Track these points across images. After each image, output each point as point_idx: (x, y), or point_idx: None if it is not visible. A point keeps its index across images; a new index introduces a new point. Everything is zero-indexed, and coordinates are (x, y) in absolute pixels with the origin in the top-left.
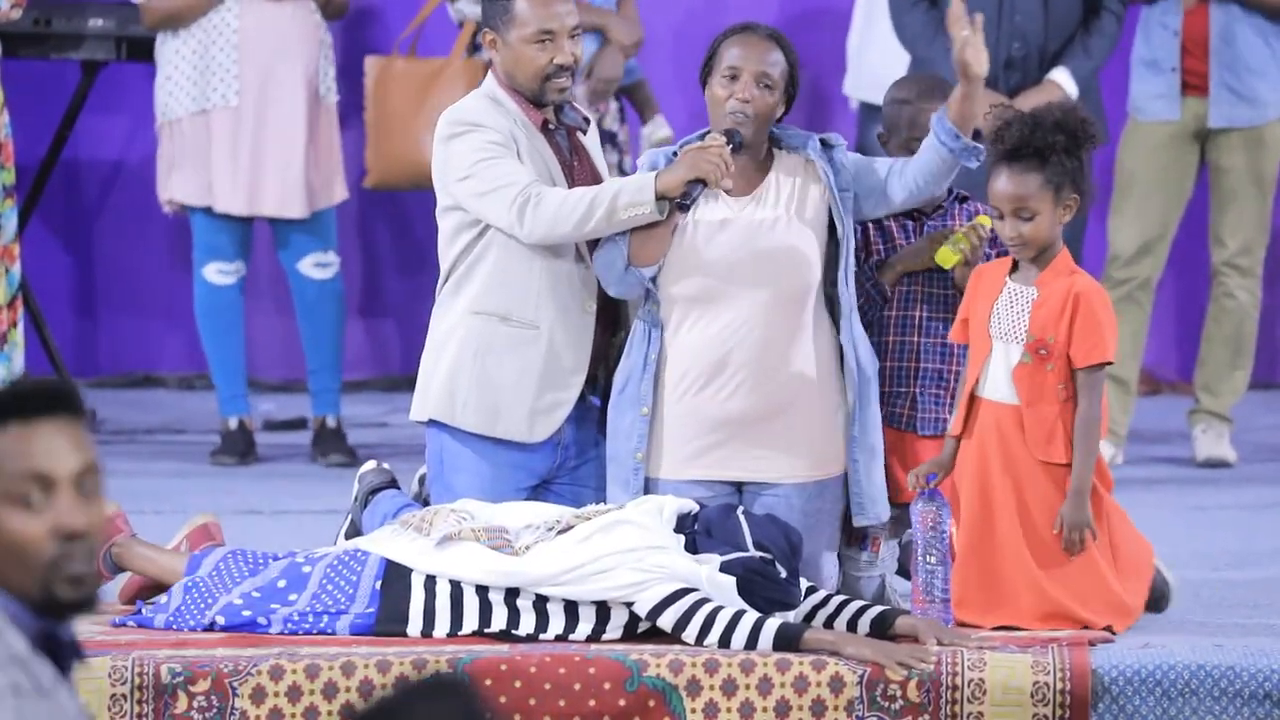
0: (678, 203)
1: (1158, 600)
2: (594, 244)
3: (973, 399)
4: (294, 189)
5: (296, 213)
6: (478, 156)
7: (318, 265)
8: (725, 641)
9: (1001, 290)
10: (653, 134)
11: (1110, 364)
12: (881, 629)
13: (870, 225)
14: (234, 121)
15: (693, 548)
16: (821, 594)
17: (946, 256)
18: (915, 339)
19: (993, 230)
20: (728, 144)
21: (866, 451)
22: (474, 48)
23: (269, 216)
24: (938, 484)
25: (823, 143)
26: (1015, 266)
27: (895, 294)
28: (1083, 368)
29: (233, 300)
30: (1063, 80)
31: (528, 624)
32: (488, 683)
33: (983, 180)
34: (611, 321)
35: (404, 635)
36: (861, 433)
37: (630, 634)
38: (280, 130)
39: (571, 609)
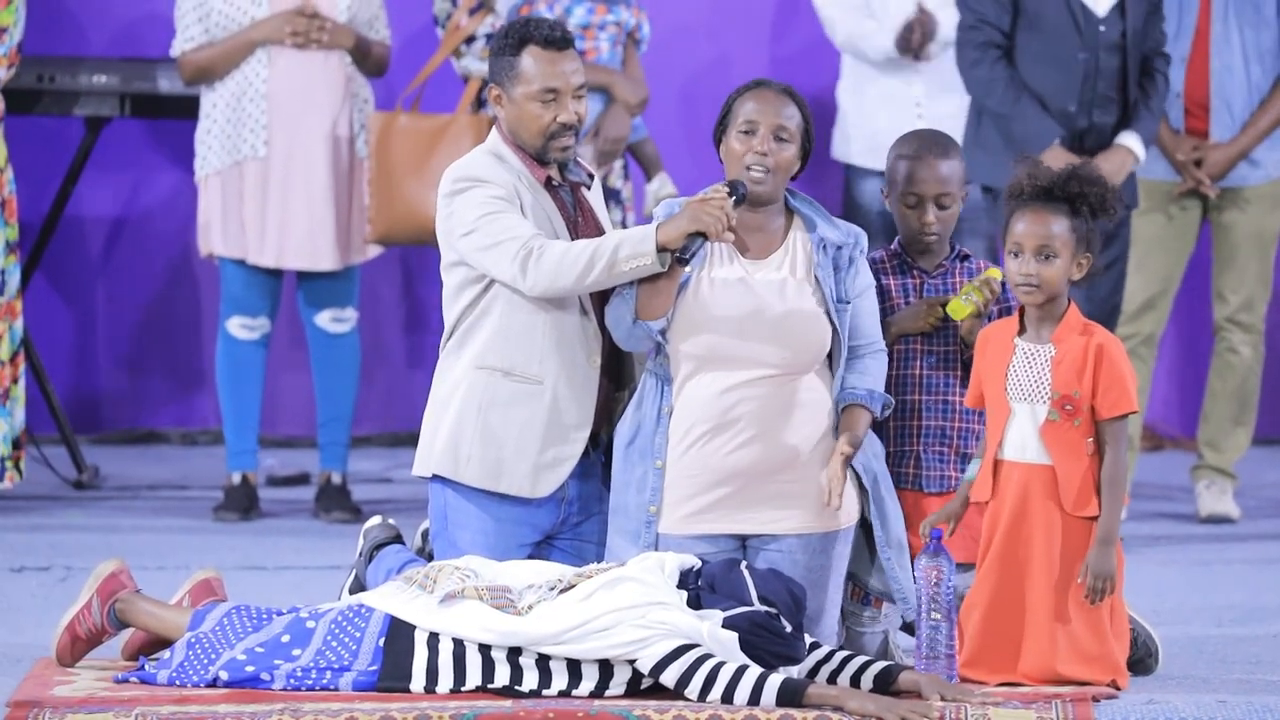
0: (677, 256)
1: (1145, 660)
2: (599, 298)
3: (996, 463)
4: (323, 241)
5: (326, 265)
6: (481, 211)
7: (335, 320)
8: (728, 697)
9: (1013, 353)
10: (658, 191)
11: (1134, 413)
12: (885, 685)
13: None
14: (263, 172)
15: (696, 603)
16: (825, 649)
17: (959, 308)
18: (916, 397)
19: (1001, 282)
20: (730, 196)
21: (896, 548)
22: (479, 103)
23: (299, 269)
24: (949, 535)
25: (827, 243)
26: (1023, 328)
27: (894, 353)
28: (1108, 419)
29: (253, 356)
30: (1133, 145)
31: (531, 680)
32: None
33: (978, 228)
34: (616, 376)
35: (407, 692)
36: (884, 529)
37: (633, 690)
38: (307, 181)
39: (574, 666)
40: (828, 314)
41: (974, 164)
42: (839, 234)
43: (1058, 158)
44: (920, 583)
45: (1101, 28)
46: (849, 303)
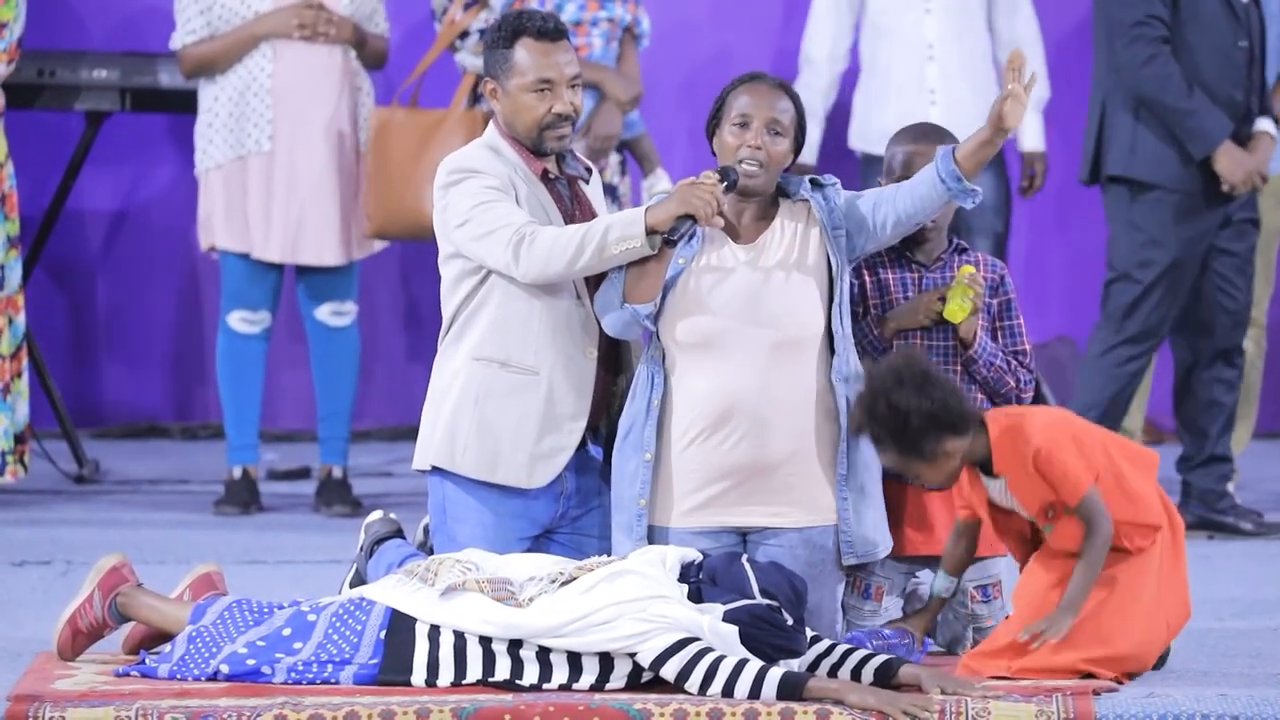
0: (666, 238)
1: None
2: (595, 289)
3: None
4: (328, 236)
5: (331, 260)
6: (475, 201)
7: (335, 314)
8: (729, 691)
9: (987, 493)
10: (653, 187)
11: (1091, 486)
12: (885, 678)
13: (868, 279)
14: (268, 167)
15: (697, 597)
16: (825, 643)
17: (957, 312)
18: None
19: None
20: (721, 181)
21: (855, 491)
22: (475, 98)
23: (304, 264)
24: (918, 646)
25: (814, 183)
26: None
27: (894, 348)
28: (1075, 506)
29: (255, 350)
30: (1270, 128)
31: (531, 674)
32: None
33: (982, 226)
34: (613, 368)
35: (408, 685)
36: (850, 471)
37: (634, 684)
38: (312, 176)
39: (575, 659)
40: (829, 273)
41: (1129, 158)
42: (822, 179)
43: (1230, 154)
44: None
45: (1251, 12)
46: (841, 228)
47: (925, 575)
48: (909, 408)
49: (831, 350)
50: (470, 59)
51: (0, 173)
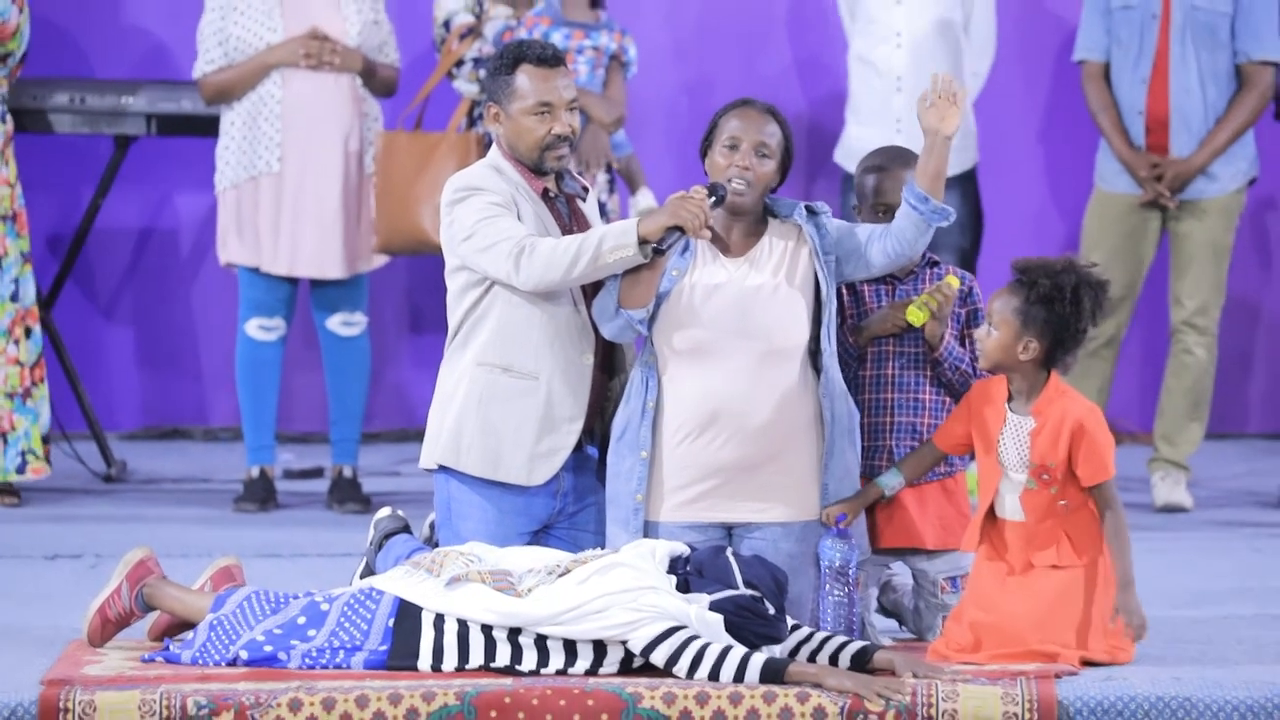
0: (656, 247)
1: None
2: (592, 298)
3: (992, 516)
4: (332, 251)
5: (335, 273)
6: (479, 216)
7: (345, 324)
8: (714, 675)
9: (1004, 422)
10: (639, 204)
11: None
12: (861, 663)
13: (844, 290)
14: (277, 186)
15: (685, 588)
16: (805, 630)
17: (915, 315)
18: (889, 395)
19: (961, 289)
20: (709, 196)
21: (837, 478)
22: (470, 122)
23: (307, 277)
24: (847, 524)
25: (809, 210)
26: (1011, 395)
27: (868, 354)
28: (1092, 486)
29: (271, 356)
30: None
31: (530, 660)
32: (493, 714)
33: (948, 241)
34: (608, 371)
35: (414, 670)
36: (832, 480)
37: (626, 669)
38: (320, 195)
39: (570, 646)
40: (816, 286)
41: None
42: (816, 206)
43: None
44: (823, 560)
45: None
46: (832, 254)
47: (898, 566)
48: (1069, 301)
49: (816, 368)
50: (466, 85)
51: (11, 192)
